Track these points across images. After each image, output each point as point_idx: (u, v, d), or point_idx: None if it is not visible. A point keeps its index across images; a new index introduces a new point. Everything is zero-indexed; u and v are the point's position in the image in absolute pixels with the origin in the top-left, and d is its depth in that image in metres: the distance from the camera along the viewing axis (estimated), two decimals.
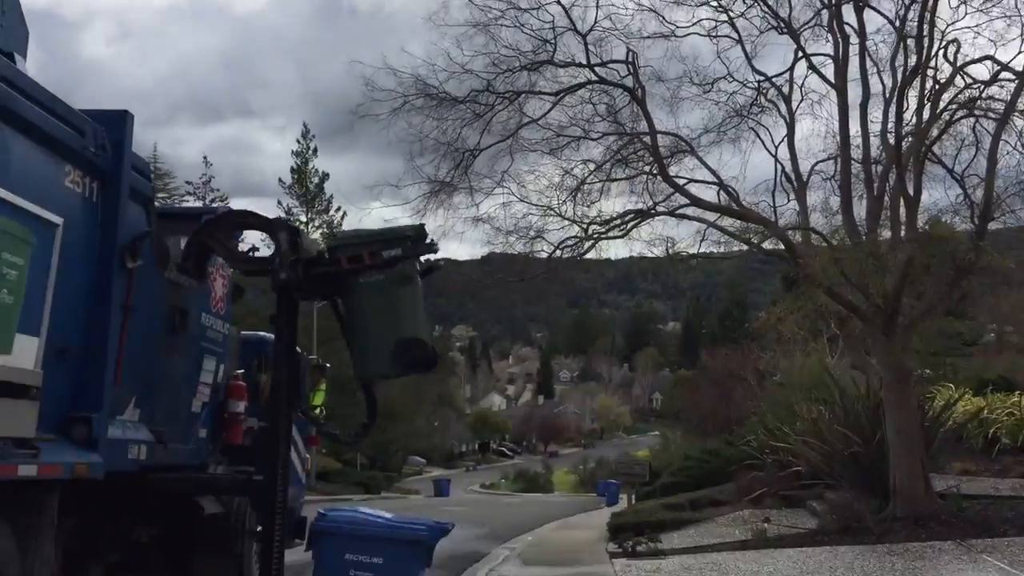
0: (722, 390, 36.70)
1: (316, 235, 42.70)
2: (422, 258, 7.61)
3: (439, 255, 7.70)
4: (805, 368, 26.28)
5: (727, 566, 11.59)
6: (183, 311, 7.84)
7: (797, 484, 17.14)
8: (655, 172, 14.35)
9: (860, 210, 14.28)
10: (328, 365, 13.45)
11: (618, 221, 14.73)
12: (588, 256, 15.46)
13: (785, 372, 31.75)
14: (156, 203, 8.22)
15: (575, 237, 14.86)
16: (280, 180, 54.77)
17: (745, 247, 14.50)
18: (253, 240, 17.85)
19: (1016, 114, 13.30)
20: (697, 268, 19.56)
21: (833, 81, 14.34)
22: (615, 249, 17.05)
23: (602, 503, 35.37)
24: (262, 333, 11.32)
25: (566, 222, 14.72)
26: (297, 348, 7.96)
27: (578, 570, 12.34)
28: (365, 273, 7.14)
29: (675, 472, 28.10)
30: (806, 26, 14.62)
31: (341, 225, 51.53)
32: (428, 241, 7.54)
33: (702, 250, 15.17)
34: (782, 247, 14.11)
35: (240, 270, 8.65)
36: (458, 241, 42.35)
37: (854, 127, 14.17)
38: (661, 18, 14.54)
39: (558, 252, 14.91)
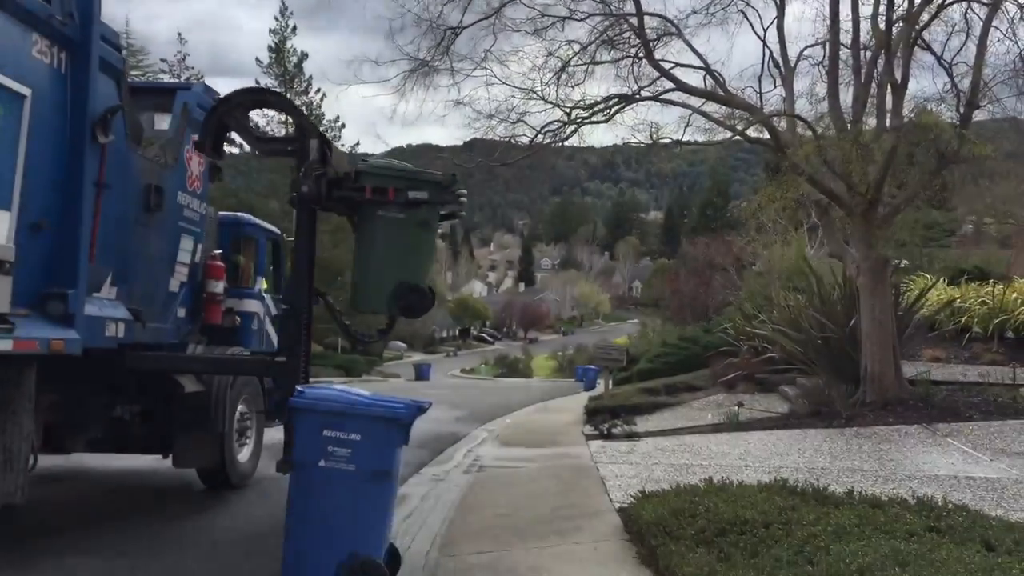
0: (701, 279, 37.03)
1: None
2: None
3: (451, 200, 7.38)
4: (784, 258, 26.46)
5: (699, 447, 11.89)
6: (158, 189, 7.74)
7: (771, 370, 17.46)
8: (641, 55, 14.07)
9: (846, 97, 14.12)
10: None
11: (602, 105, 14.51)
12: (571, 143, 15.29)
13: (764, 262, 32.00)
14: (128, 79, 8.01)
15: (558, 121, 14.66)
16: (257, 60, 53.63)
17: (729, 134, 14.36)
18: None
19: (1008, 0, 13.07)
20: (680, 157, 19.44)
21: None
22: (598, 135, 16.99)
23: (580, 388, 35.97)
24: (239, 214, 11.27)
25: (549, 106, 14.48)
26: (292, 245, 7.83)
27: (554, 451, 12.62)
28: (386, 207, 7.02)
29: (652, 359, 28.54)
30: None
31: (321, 106, 50.76)
32: (456, 191, 7.39)
33: (686, 137, 15.04)
34: (766, 135, 14.01)
35: (259, 151, 8.51)
36: (440, 125, 41.80)
37: (845, 10, 13.90)
38: None
39: (540, 137, 14.73)
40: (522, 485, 9.53)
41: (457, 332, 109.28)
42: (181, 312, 8.63)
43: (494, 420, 19.28)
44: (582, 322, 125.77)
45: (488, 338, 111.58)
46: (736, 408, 14.72)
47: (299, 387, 5.65)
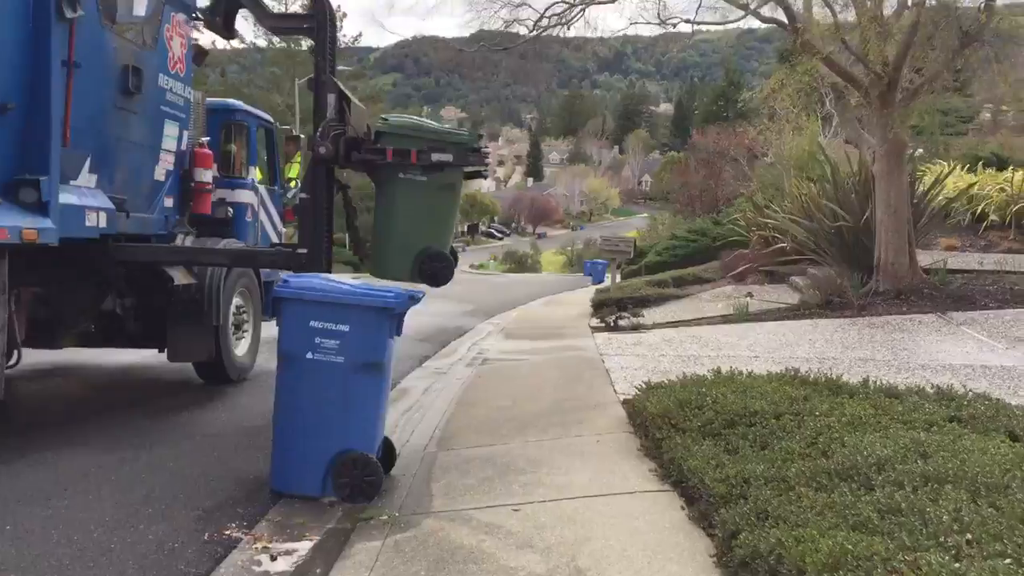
0: (711, 170, 36.41)
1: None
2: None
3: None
4: (796, 147, 25.82)
5: (707, 338, 11.65)
6: (136, 70, 7.29)
7: (781, 261, 17.13)
8: None
9: None
10: (302, 136, 12.94)
11: None
12: (579, 31, 14.67)
13: (776, 151, 31.32)
14: None
15: (563, 3, 14.02)
16: None
17: (742, 13, 13.69)
18: None
19: None
20: (691, 46, 18.70)
21: None
22: (607, 21, 16.19)
23: (588, 282, 35.81)
24: (229, 100, 10.79)
25: None
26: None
27: (559, 343, 12.41)
28: (408, 169, 6.53)
29: (661, 251, 28.28)
30: None
31: None
32: (482, 150, 6.97)
33: (698, 18, 14.38)
34: (781, 15, 13.35)
35: (271, 30, 8.02)
36: (446, 15, 40.56)
37: None
38: None
39: (545, 21, 14.10)
40: (525, 378, 9.33)
41: (466, 228, 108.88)
42: (168, 202, 8.28)
43: (500, 314, 19.11)
44: (591, 217, 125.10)
45: (497, 234, 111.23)
46: (745, 299, 14.44)
47: (285, 276, 5.33)
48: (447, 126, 7.64)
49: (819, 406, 5.20)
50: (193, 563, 4.17)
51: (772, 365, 9.33)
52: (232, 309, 9.25)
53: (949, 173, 18.10)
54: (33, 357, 8.38)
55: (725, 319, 13.98)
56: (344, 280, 5.53)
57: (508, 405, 7.74)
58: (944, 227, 17.30)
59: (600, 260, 41.12)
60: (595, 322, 14.57)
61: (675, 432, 5.19)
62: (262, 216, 10.36)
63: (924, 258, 14.61)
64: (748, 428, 4.91)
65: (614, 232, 69.23)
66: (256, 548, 4.30)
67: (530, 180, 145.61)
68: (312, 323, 5.14)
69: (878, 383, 5.94)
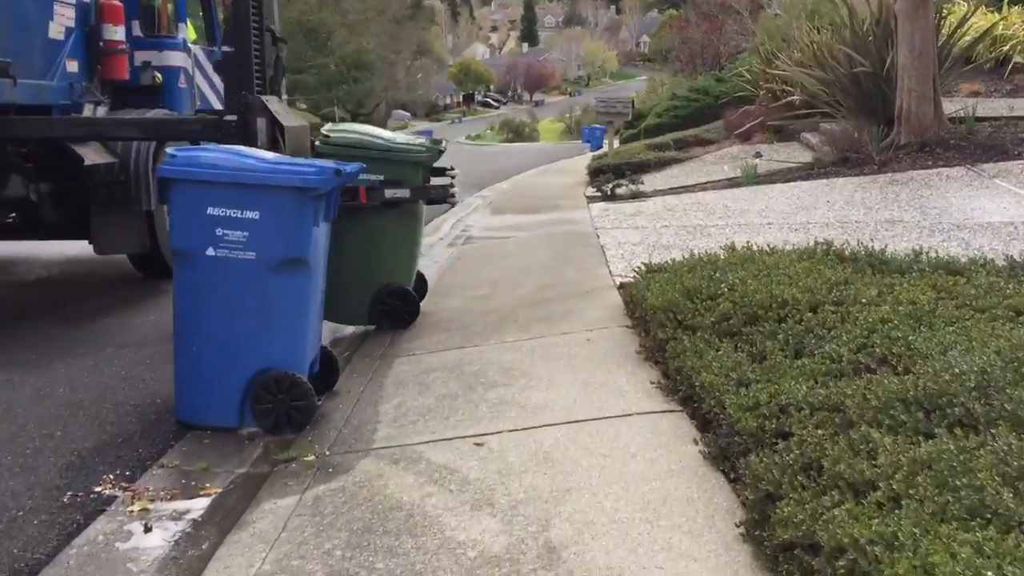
0: (712, 25, 34.36)
1: None
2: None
3: None
4: None
5: (714, 204, 10.46)
6: None
7: (791, 116, 15.74)
8: None
9: None
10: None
11: None
12: None
13: (782, 1, 29.36)
14: None
15: None
16: None
17: None
18: None
19: None
20: None
21: None
22: None
23: (586, 149, 34.38)
24: None
25: None
26: None
27: (551, 216, 11.23)
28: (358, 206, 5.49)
29: (661, 113, 26.70)
30: None
31: None
32: (449, 177, 6.36)
33: None
34: None
35: None
36: None
37: None
38: None
39: None
40: (510, 258, 8.19)
41: (461, 98, 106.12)
42: (71, 66, 6.95)
43: (491, 186, 17.85)
44: (589, 82, 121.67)
45: (493, 103, 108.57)
46: (753, 160, 13.15)
47: (171, 150, 4.11)
48: (401, 138, 6.36)
49: (865, 291, 4.05)
50: (33, 542, 3.07)
51: (789, 233, 8.19)
52: None
53: (973, 12, 16.52)
54: None
55: (732, 182, 12.77)
56: (257, 152, 4.31)
57: (486, 294, 6.63)
58: (964, 72, 15.84)
59: (598, 126, 39.53)
60: (591, 191, 13.36)
61: (683, 331, 4.07)
62: (200, 82, 9.01)
63: (948, 106, 13.22)
64: (777, 325, 3.77)
65: (612, 95, 67.22)
66: (131, 512, 3.22)
67: (525, 46, 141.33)
68: (211, 210, 3.96)
69: (934, 256, 4.76)
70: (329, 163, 4.14)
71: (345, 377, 4.81)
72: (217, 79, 9.44)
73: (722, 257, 5.30)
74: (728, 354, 3.62)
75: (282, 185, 3.97)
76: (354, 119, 60.43)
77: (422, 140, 6.35)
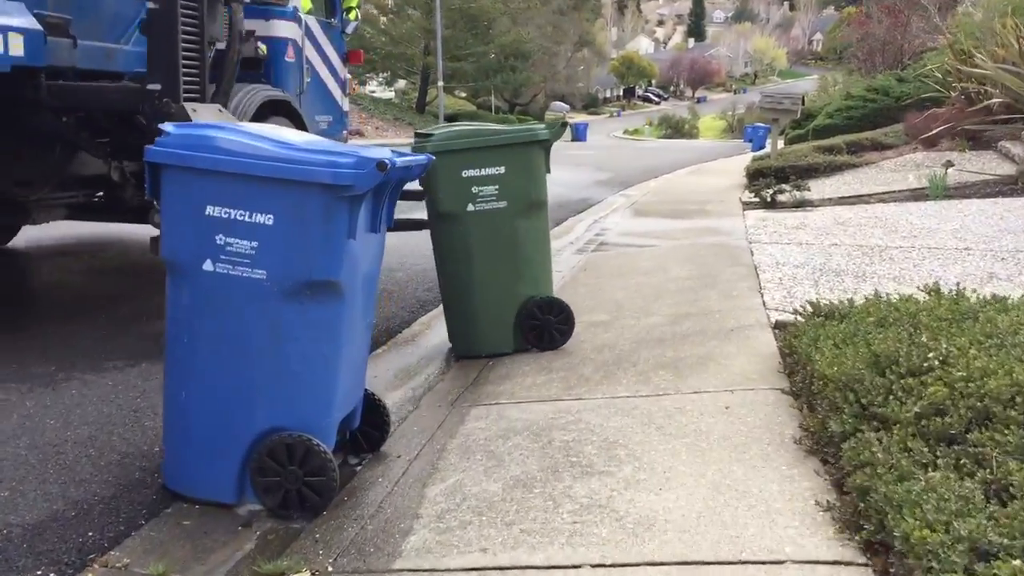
0: (896, 19, 31.67)
1: None
2: None
3: None
4: None
5: (895, 220, 8.84)
6: None
7: (989, 120, 13.74)
8: None
9: None
10: None
11: None
12: None
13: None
14: None
15: None
16: None
17: None
18: None
19: None
20: None
21: None
22: None
23: (747, 149, 32.43)
24: None
25: None
26: None
27: (699, 223, 9.84)
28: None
29: (832, 113, 24.60)
30: None
31: None
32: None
33: None
34: None
35: None
36: None
37: None
38: None
39: None
40: (643, 274, 6.89)
41: (621, 92, 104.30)
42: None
43: (639, 184, 16.50)
44: (755, 79, 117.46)
45: (654, 98, 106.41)
46: (942, 169, 11.35)
47: (165, 126, 3.05)
48: (512, 126, 5.22)
49: None
50: None
51: (994, 262, 6.60)
52: None
53: None
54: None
55: (916, 194, 11.05)
56: (277, 131, 3.19)
57: (606, 321, 5.38)
58: None
59: (762, 124, 37.33)
60: (748, 196, 11.86)
61: (869, 424, 2.73)
62: (311, 56, 8.05)
63: None
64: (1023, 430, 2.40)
65: (780, 91, 64.21)
66: None
67: (691, 41, 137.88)
68: (209, 209, 2.89)
69: None
70: (377, 152, 2.99)
71: (403, 431, 3.68)
72: (333, 55, 8.51)
73: (920, 300, 3.88)
74: (948, 481, 2.27)
75: (306, 180, 2.85)
76: (511, 110, 59.79)
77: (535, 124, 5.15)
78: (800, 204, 10.69)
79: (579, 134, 47.46)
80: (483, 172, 4.62)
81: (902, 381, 2.86)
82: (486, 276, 4.72)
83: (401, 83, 54.37)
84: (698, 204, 11.85)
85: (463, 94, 57.79)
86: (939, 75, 16.76)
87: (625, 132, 64.98)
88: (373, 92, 50.24)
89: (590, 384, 4.11)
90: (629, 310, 5.60)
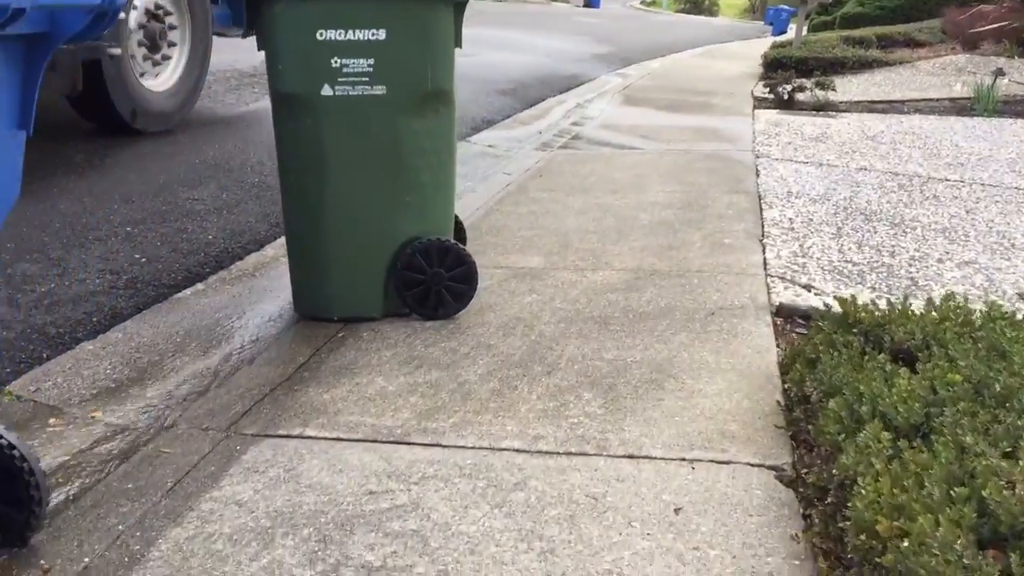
0: None
1: None
2: None
3: None
4: None
5: (937, 138, 7.13)
6: None
7: None
8: None
9: None
10: None
11: None
12: None
13: None
14: None
15: None
16: None
17: None
18: None
19: None
20: None
21: None
22: None
23: (767, 33, 30.07)
24: None
25: None
26: None
27: (698, 121, 8.10)
28: None
29: (864, 1, 22.45)
30: None
31: None
32: None
33: None
34: None
35: None
36: None
37: None
38: None
39: None
40: (612, 192, 5.22)
41: None
42: None
43: (640, 63, 14.57)
44: None
45: None
46: (991, 78, 9.53)
47: None
48: None
49: None
50: None
51: None
52: (139, 11, 5.58)
53: None
54: None
55: (958, 106, 9.34)
56: None
57: (535, 268, 3.75)
58: None
59: (785, 7, 34.66)
60: (761, 90, 10.07)
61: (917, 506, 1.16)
62: None
63: None
64: None
65: None
66: None
67: None
68: None
69: None
70: None
71: (97, 498, 2.11)
72: None
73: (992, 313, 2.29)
74: None
75: None
76: None
77: None
78: (822, 107, 8.94)
79: (593, 2, 44.62)
80: (350, 36, 2.90)
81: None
82: (347, 200, 3.06)
83: None
84: (702, 95, 10.04)
85: None
86: None
87: (642, 2, 61.63)
88: None
89: (467, 407, 2.51)
90: (576, 253, 3.97)
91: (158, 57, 5.92)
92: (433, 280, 3.14)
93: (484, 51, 12.74)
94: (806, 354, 2.45)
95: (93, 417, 2.47)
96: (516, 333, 3.05)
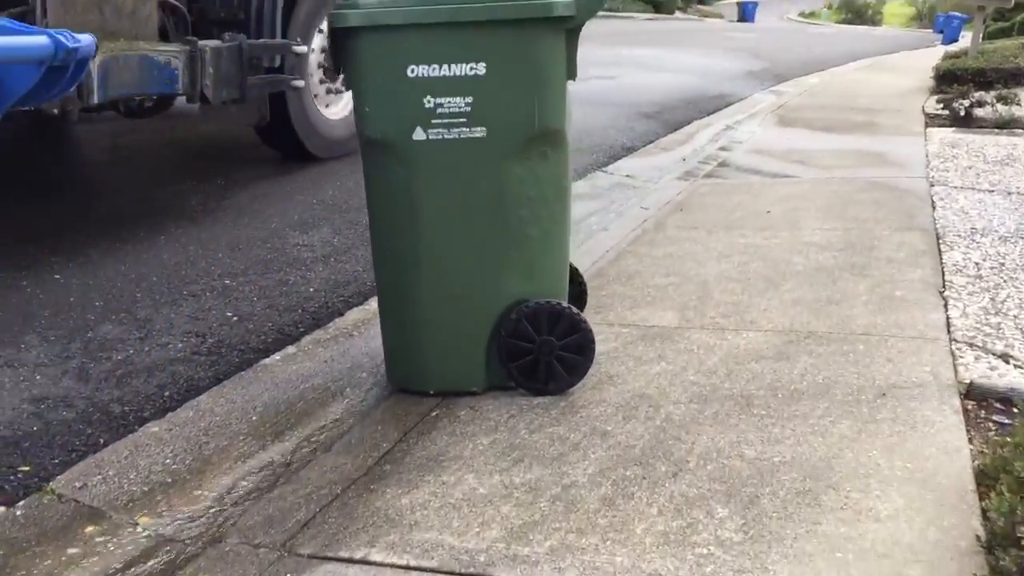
0: None
1: None
2: None
3: None
4: None
5: None
6: None
7: None
8: None
9: None
10: None
11: None
12: None
13: None
14: None
15: None
16: None
17: None
18: None
19: None
20: None
21: None
22: None
23: (937, 42, 28.25)
24: None
25: None
26: None
27: (860, 143, 7.35)
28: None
29: None
30: None
31: None
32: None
33: None
34: None
35: None
36: None
37: None
38: None
39: None
40: (761, 230, 4.63)
41: None
42: None
43: (797, 79, 13.71)
44: None
45: None
46: None
47: None
48: None
49: None
50: None
51: None
52: (317, 44, 5.77)
53: None
54: None
55: None
56: None
57: (666, 328, 3.23)
58: None
59: (958, 14, 32.60)
60: (933, 106, 9.16)
61: None
62: None
63: None
64: None
65: None
66: None
67: None
68: None
69: None
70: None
71: None
72: None
73: None
74: None
75: None
76: None
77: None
78: (1006, 123, 8.00)
79: (747, 13, 43.32)
80: (445, 71, 2.48)
81: None
82: (443, 257, 2.65)
83: None
84: (866, 113, 9.22)
85: None
86: None
87: (800, 14, 59.65)
88: None
89: (569, 524, 2.04)
90: (715, 307, 3.43)
91: (334, 87, 6.07)
92: (542, 350, 2.68)
93: (627, 72, 12.20)
94: (1015, 470, 1.86)
95: (137, 524, 2.12)
96: (638, 416, 2.55)
